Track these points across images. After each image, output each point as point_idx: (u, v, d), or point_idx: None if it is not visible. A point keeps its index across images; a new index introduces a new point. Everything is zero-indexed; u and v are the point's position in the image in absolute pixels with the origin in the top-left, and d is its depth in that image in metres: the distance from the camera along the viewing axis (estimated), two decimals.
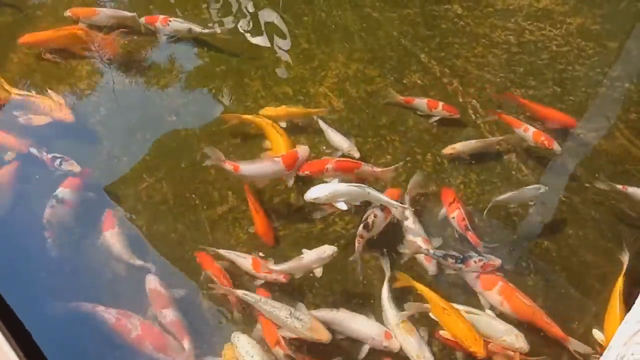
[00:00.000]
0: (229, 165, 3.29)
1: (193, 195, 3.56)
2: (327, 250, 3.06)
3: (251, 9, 4.61)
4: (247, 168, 3.32)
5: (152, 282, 3.18)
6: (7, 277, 3.12)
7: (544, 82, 4.07)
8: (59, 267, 3.31)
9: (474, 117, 3.90)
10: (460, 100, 4.00)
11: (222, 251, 3.26)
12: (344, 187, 3.14)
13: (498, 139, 3.69)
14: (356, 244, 3.14)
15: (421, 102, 3.85)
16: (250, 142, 3.79)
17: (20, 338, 2.70)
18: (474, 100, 3.99)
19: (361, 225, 3.19)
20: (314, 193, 3.10)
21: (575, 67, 4.15)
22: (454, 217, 3.34)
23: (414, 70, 4.18)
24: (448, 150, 3.64)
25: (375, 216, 3.21)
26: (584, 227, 3.40)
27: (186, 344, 2.96)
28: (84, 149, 3.78)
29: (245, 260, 3.21)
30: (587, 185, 3.55)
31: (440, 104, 3.81)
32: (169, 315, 3.04)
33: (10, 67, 4.24)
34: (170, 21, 4.32)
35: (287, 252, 3.31)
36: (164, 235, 3.43)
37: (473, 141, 3.68)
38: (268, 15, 4.55)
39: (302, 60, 4.27)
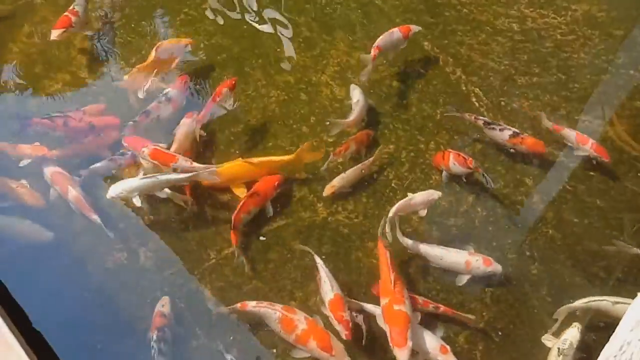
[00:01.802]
0: (374, 51, 3.72)
1: None
2: (434, 194, 3.18)
3: None
4: (382, 42, 3.79)
5: (51, 169, 3.43)
6: None
7: (548, 69, 4.03)
8: None
9: (477, 105, 3.87)
10: (464, 88, 3.96)
11: (318, 261, 3.08)
12: (140, 181, 3.21)
13: (370, 160, 3.47)
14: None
15: (570, 134, 3.55)
16: (251, 130, 3.77)
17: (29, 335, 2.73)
18: (477, 89, 3.95)
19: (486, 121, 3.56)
20: (112, 192, 3.21)
21: (580, 54, 4.11)
22: (454, 164, 3.37)
23: (416, 59, 4.14)
24: (328, 190, 3.39)
25: (494, 130, 3.51)
26: (589, 216, 3.37)
27: (93, 216, 3.28)
28: None
29: (328, 289, 2.95)
30: (591, 173, 3.52)
31: (590, 141, 3.48)
32: (73, 192, 3.32)
33: (11, 57, 4.21)
34: (75, 7, 4.05)
35: (289, 241, 3.30)
36: (167, 226, 3.41)
37: (349, 171, 3.44)
38: (270, 4, 4.51)
39: (303, 48, 4.23)
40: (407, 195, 3.21)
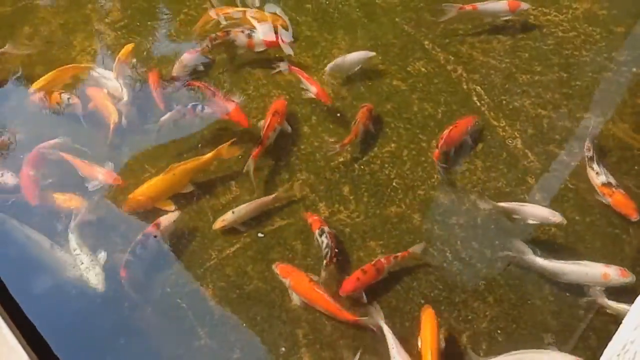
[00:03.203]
0: (468, 7, 4.12)
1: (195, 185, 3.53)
2: (555, 216, 3.12)
3: None
4: (482, 5, 4.15)
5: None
6: None
7: (549, 67, 4.02)
8: None
9: (478, 104, 3.86)
10: (465, 87, 3.96)
11: (387, 333, 2.88)
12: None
13: (271, 198, 3.37)
14: None
15: None
16: (252, 130, 3.76)
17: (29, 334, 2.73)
18: (479, 87, 3.94)
19: None
20: (98, 284, 3.13)
21: (581, 52, 4.10)
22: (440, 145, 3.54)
23: (417, 58, 4.13)
24: (218, 224, 3.28)
25: (592, 170, 3.38)
26: (591, 214, 3.35)
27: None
28: (83, 139, 3.77)
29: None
30: None
31: None
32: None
33: (10, 58, 4.21)
34: None
35: (290, 241, 3.30)
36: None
37: (243, 206, 3.32)
38: (270, 3, 4.50)
39: (304, 47, 4.22)
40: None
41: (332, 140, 3.70)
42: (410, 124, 3.79)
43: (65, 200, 3.40)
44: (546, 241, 3.26)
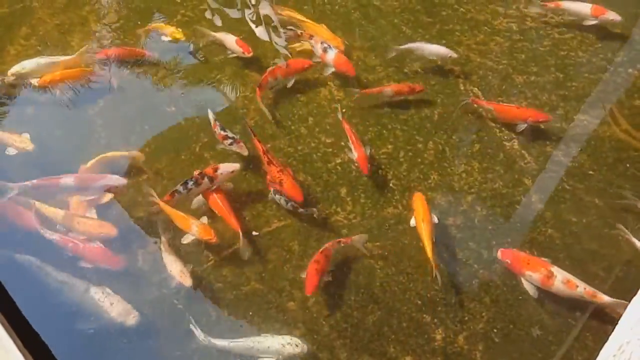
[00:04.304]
0: (551, 4, 4.19)
1: None
2: None
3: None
4: (568, 3, 4.18)
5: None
6: None
7: (546, 68, 4.03)
8: None
9: (475, 105, 3.86)
10: (462, 88, 3.97)
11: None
12: None
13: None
14: None
15: None
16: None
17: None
18: (476, 88, 3.95)
19: None
20: None
21: (578, 53, 4.11)
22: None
23: (414, 59, 4.13)
24: (187, 280, 3.08)
25: None
26: (587, 215, 3.37)
27: None
28: (82, 140, 3.77)
29: None
30: (590, 172, 3.51)
31: None
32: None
33: (8, 59, 4.21)
34: None
35: (287, 242, 3.30)
36: (165, 228, 3.40)
37: (166, 256, 3.20)
38: (267, 5, 4.50)
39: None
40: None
41: (330, 141, 3.70)
42: (407, 125, 3.80)
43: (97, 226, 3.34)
44: (543, 242, 3.27)
